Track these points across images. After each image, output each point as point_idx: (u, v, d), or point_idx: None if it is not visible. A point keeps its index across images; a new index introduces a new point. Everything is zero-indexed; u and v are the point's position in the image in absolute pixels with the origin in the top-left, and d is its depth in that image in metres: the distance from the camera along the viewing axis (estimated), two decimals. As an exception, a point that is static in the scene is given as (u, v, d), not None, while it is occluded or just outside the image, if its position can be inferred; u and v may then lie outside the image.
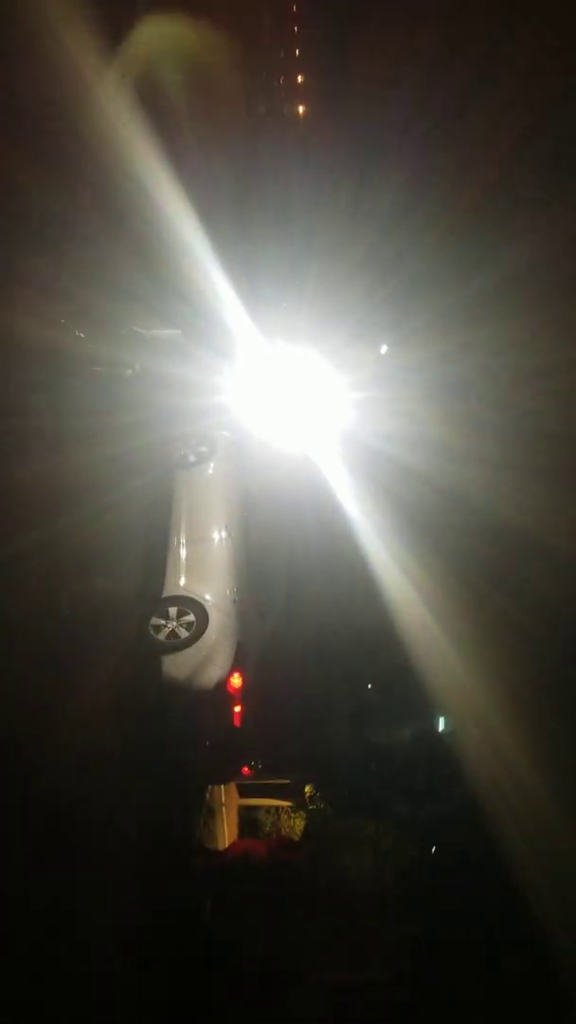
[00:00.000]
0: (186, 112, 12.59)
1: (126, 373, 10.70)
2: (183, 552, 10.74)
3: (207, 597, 10.40)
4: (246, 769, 10.82)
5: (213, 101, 13.94)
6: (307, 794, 11.66)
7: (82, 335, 10.24)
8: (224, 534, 10.84)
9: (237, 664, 10.21)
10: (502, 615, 9.64)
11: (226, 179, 12.40)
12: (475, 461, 10.68)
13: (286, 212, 11.96)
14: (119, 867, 8.36)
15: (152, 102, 10.90)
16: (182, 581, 10.54)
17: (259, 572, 11.09)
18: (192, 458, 11.08)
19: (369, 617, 10.35)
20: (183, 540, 10.79)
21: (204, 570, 10.66)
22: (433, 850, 10.64)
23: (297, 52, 22.32)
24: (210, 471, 11.14)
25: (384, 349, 13.06)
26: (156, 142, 10.13)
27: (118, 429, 9.79)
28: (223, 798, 11.70)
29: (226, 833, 11.76)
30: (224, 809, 11.76)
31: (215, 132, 13.15)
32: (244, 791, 11.87)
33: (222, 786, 11.52)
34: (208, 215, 10.21)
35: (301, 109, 21.31)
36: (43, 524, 8.79)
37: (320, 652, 10.61)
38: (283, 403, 11.34)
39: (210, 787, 11.30)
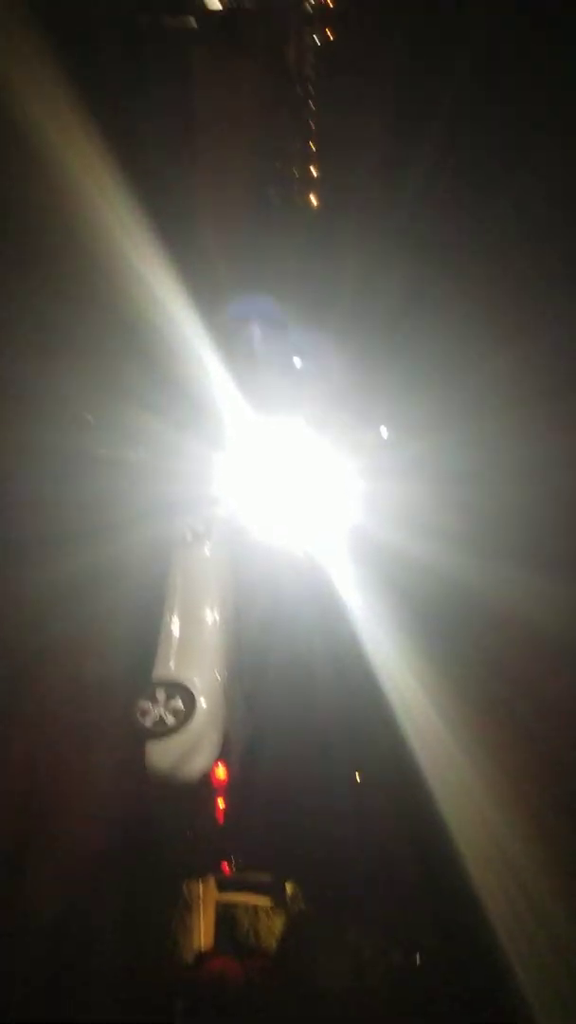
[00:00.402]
0: (197, 203, 12.93)
1: (128, 459, 10.67)
2: (175, 632, 10.51)
3: (196, 682, 10.11)
4: (226, 866, 10.40)
5: (224, 189, 14.37)
6: (288, 892, 11.22)
7: (88, 419, 10.26)
8: (217, 617, 10.64)
9: (223, 755, 9.88)
10: (516, 718, 9.43)
11: (232, 271, 12.66)
12: (482, 552, 10.59)
13: (291, 302, 12.11)
14: (91, 963, 8.10)
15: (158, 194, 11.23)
16: (172, 663, 10.26)
17: (249, 659, 10.85)
18: (189, 536, 10.95)
19: (368, 712, 10.12)
20: (176, 619, 10.57)
21: (195, 653, 10.40)
22: (418, 958, 10.18)
23: (313, 145, 23.20)
24: (207, 551, 11.00)
25: (385, 434, 13.11)
26: (156, 234, 10.41)
27: (117, 525, 9.73)
28: (200, 892, 11.23)
29: (202, 929, 11.25)
30: (201, 904, 11.28)
31: (224, 222, 13.47)
32: (222, 886, 11.39)
33: (199, 880, 11.05)
34: (211, 308, 10.39)
35: (314, 200, 22.03)
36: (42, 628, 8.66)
37: (310, 746, 10.33)
38: (284, 489, 11.30)
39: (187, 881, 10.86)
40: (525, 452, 10.93)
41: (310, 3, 28.19)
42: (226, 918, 11.77)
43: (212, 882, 11.27)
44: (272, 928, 11.48)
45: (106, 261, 10.29)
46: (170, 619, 10.60)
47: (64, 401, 10.07)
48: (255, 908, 11.71)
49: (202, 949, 10.90)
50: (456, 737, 9.35)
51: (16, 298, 9.53)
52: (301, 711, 10.52)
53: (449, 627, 10.21)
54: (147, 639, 10.28)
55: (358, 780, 11.13)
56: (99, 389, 10.27)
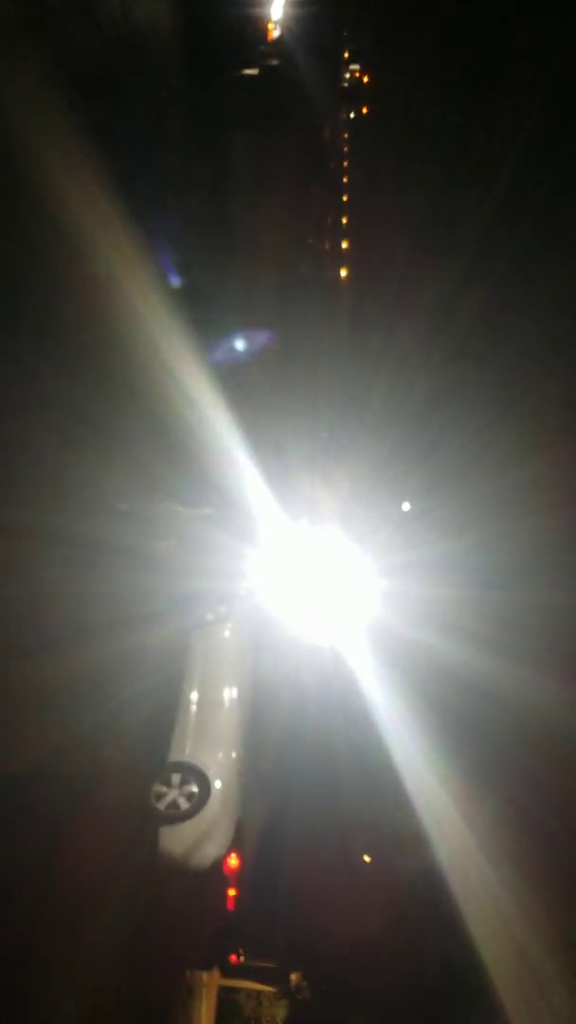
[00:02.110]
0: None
1: (159, 547, 10.91)
2: (193, 713, 10.62)
3: (211, 766, 10.18)
4: (234, 957, 10.35)
5: (259, 273, 14.80)
6: (292, 981, 11.14)
7: (120, 509, 10.53)
8: (235, 699, 10.75)
9: (235, 843, 9.90)
10: (542, 830, 9.42)
11: (265, 361, 12.99)
12: (513, 658, 10.66)
13: (319, 395, 12.46)
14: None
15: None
16: (188, 747, 10.35)
17: (264, 745, 10.92)
18: (210, 617, 11.12)
19: (390, 815, 10.13)
20: (194, 699, 10.69)
21: (211, 736, 10.50)
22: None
23: (344, 220, 23.80)
24: (227, 633, 11.15)
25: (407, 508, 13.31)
26: (189, 326, 10.80)
27: (143, 615, 9.93)
28: (204, 978, 11.16)
29: (204, 1015, 11.17)
30: (204, 990, 11.21)
31: (258, 311, 13.81)
32: (226, 971, 11.33)
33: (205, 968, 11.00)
34: (240, 404, 10.72)
35: (344, 273, 22.51)
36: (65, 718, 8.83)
37: (329, 840, 10.34)
38: (308, 582, 11.49)
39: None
40: (558, 558, 11.09)
41: (345, 80, 29.18)
42: (228, 1003, 11.70)
43: (217, 968, 11.26)
44: (274, 1016, 11.39)
45: (141, 355, 10.64)
46: (188, 700, 10.73)
47: (97, 491, 10.33)
48: (258, 994, 11.64)
49: (203, 1035, 10.84)
50: (480, 844, 9.37)
51: (53, 390, 9.85)
52: (321, 805, 10.56)
53: (477, 735, 10.27)
54: (166, 718, 10.44)
55: (367, 861, 11.15)
56: (131, 481, 10.53)
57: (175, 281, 11.11)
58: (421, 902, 10.05)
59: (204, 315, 11.11)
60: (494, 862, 9.26)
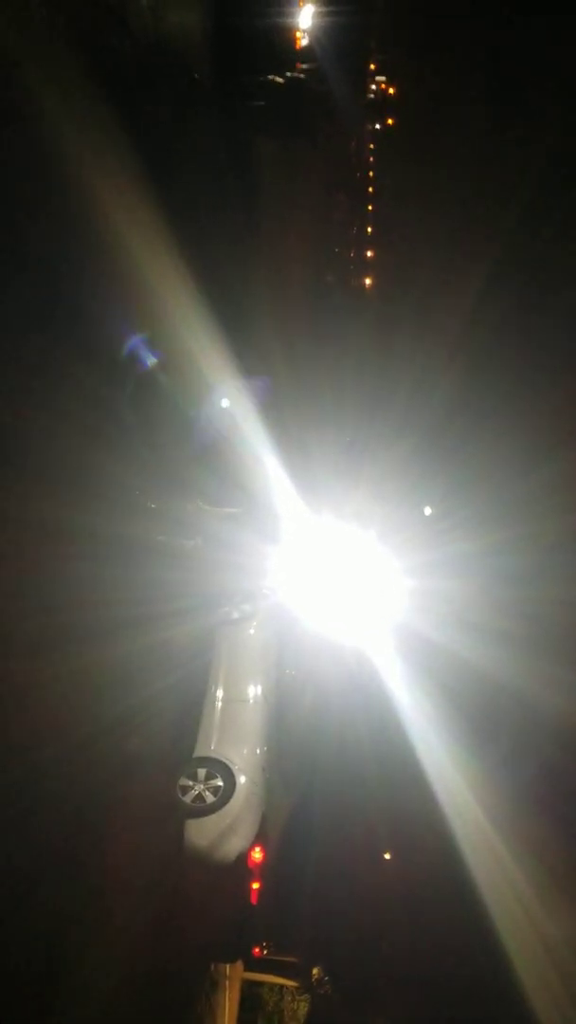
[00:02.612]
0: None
1: (187, 545, 11.12)
2: (218, 710, 10.79)
3: (236, 761, 10.35)
4: (257, 950, 10.49)
5: (286, 283, 15.03)
6: (314, 976, 11.27)
7: (151, 507, 10.76)
8: (260, 696, 10.90)
9: (259, 837, 10.06)
10: (565, 823, 9.47)
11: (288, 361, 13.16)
12: (530, 652, 10.73)
13: (344, 394, 12.62)
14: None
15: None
16: (213, 743, 10.52)
17: (288, 742, 11.07)
18: (235, 615, 11.30)
19: (414, 809, 10.22)
20: (219, 696, 10.86)
21: (236, 732, 10.65)
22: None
23: (369, 229, 24.04)
24: (251, 631, 11.33)
25: (428, 512, 13.41)
26: (218, 328, 11.01)
27: (171, 610, 10.13)
28: (227, 971, 11.34)
29: (227, 1008, 11.34)
30: (227, 982, 11.38)
31: (284, 317, 14.00)
32: (249, 965, 11.49)
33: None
34: (267, 406, 10.90)
35: (368, 282, 22.75)
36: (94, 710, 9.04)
37: (353, 836, 10.45)
38: (333, 582, 11.63)
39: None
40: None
41: (372, 91, 29.47)
42: (251, 996, 11.86)
43: (240, 961, 11.41)
44: (296, 1011, 11.53)
45: (170, 357, 10.89)
46: (213, 695, 10.93)
47: (128, 489, 10.57)
48: (280, 989, 11.78)
49: (226, 1028, 11.00)
50: (504, 839, 9.43)
51: (84, 388, 10.12)
52: (345, 801, 10.68)
53: (500, 730, 10.35)
54: (191, 712, 10.63)
55: (387, 858, 11.25)
56: (160, 479, 10.75)
57: (203, 283, 11.29)
58: (444, 898, 10.12)
59: (232, 322, 11.32)
60: (518, 857, 9.32)
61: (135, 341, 11.07)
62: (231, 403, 11.10)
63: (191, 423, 11.08)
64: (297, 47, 22.65)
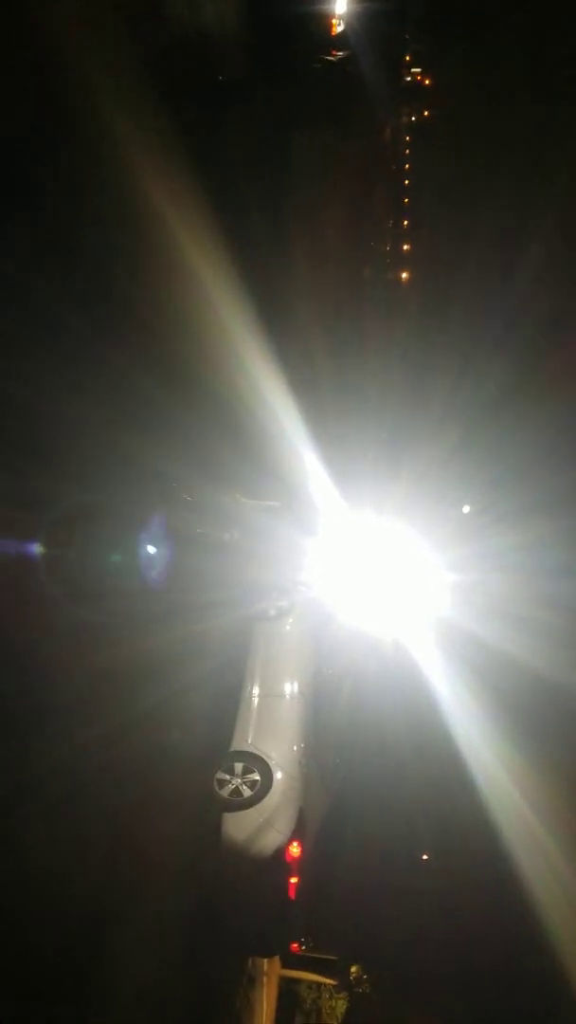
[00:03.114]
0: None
1: (224, 538, 11.06)
2: (255, 705, 10.72)
3: (273, 756, 10.27)
4: (295, 946, 10.40)
5: (323, 274, 14.91)
6: (353, 974, 11.14)
7: (187, 499, 10.72)
8: (296, 692, 10.80)
9: (297, 832, 9.96)
10: None
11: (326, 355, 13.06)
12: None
13: (383, 387, 12.47)
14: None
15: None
16: (250, 736, 10.46)
17: (326, 737, 10.96)
18: (272, 612, 11.20)
19: (455, 803, 10.06)
20: (255, 692, 10.79)
21: (273, 727, 10.57)
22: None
23: (406, 222, 23.80)
24: (288, 627, 11.23)
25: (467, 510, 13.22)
26: (257, 320, 10.92)
27: (207, 606, 10.09)
28: (265, 967, 11.24)
29: (265, 1005, 11.25)
30: (265, 978, 11.28)
31: (322, 307, 13.90)
32: (287, 962, 11.39)
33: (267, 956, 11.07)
34: (306, 394, 10.78)
35: (405, 276, 22.51)
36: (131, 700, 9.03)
37: (392, 832, 10.31)
38: (373, 577, 11.49)
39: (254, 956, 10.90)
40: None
41: (407, 82, 29.18)
42: (289, 993, 11.76)
43: (278, 958, 11.32)
44: (335, 1009, 11.41)
45: (208, 347, 10.83)
46: (250, 691, 10.85)
47: (165, 480, 10.54)
48: (319, 987, 11.67)
49: (264, 1024, 10.91)
50: (549, 834, 9.25)
51: (125, 377, 10.10)
52: (384, 797, 10.54)
53: (544, 724, 10.13)
54: (227, 705, 10.58)
55: (424, 859, 11.09)
56: (199, 471, 10.72)
57: (240, 276, 11.22)
58: (487, 897, 9.94)
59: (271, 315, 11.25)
60: (568, 857, 9.12)
61: (179, 329, 11.01)
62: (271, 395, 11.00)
63: (232, 411, 11.00)
64: (332, 34, 22.48)
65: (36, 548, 9.07)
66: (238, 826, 9.80)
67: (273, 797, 9.90)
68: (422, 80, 30.02)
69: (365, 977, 11.03)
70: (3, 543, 9.10)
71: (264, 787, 9.92)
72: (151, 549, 9.90)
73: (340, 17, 22.87)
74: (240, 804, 9.83)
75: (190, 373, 10.87)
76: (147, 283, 10.94)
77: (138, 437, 9.88)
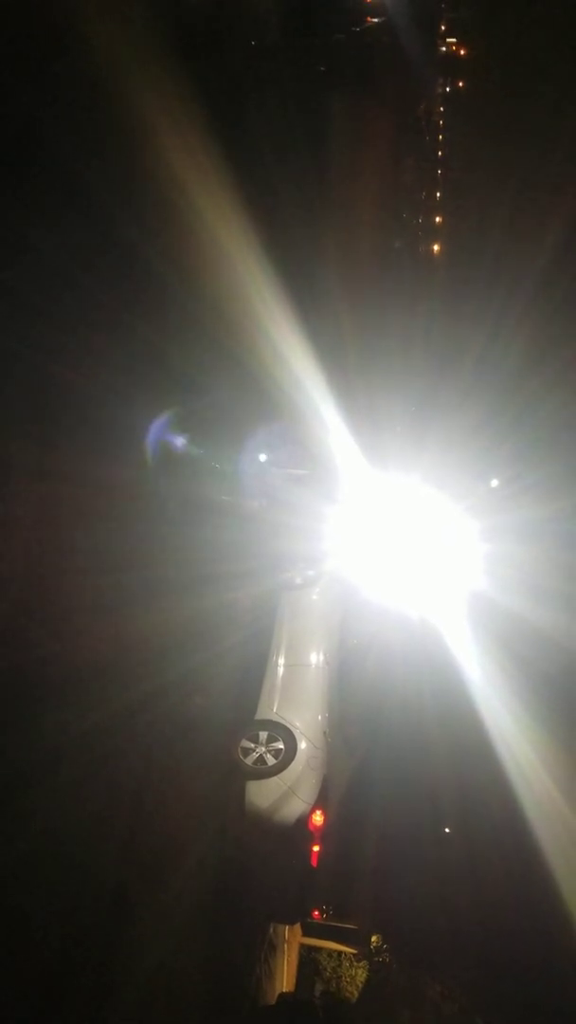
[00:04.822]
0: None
1: (251, 506, 11.03)
2: (280, 674, 10.71)
3: (298, 725, 10.26)
4: (316, 913, 10.45)
5: (354, 243, 14.73)
6: (373, 943, 11.21)
7: (215, 467, 10.70)
8: (322, 661, 10.77)
9: (320, 800, 9.97)
10: None
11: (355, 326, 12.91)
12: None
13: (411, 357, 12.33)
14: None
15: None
16: (275, 705, 10.45)
17: (351, 708, 10.94)
18: (298, 580, 11.17)
19: (480, 775, 10.03)
20: (281, 662, 10.77)
21: (298, 696, 10.56)
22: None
23: (438, 194, 23.48)
24: (314, 596, 11.19)
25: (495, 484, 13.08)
26: (286, 292, 10.81)
27: (234, 575, 10.08)
28: (286, 935, 11.34)
29: (285, 972, 11.35)
30: (286, 946, 11.38)
31: (352, 278, 13.74)
32: (308, 930, 11.48)
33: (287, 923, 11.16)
34: (334, 365, 10.66)
35: (436, 248, 22.24)
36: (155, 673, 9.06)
37: (416, 803, 10.30)
38: (398, 548, 11.41)
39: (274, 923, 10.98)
40: None
41: (442, 52, 28.68)
42: (309, 961, 11.86)
43: (298, 925, 11.40)
44: (354, 977, 11.50)
45: (238, 319, 10.75)
46: (275, 660, 10.84)
47: (191, 448, 10.53)
48: (339, 955, 11.76)
49: (284, 991, 11.00)
50: (573, 806, 9.18)
51: (153, 349, 10.05)
52: (409, 768, 10.53)
53: (569, 699, 10.05)
54: (253, 673, 10.59)
55: (447, 832, 11.08)
56: (226, 440, 10.69)
57: (271, 246, 11.11)
58: (509, 870, 9.92)
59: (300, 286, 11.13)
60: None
61: (208, 301, 10.95)
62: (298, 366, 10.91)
63: (259, 381, 10.93)
64: (367, 0, 22.03)
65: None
66: (261, 794, 9.82)
67: (297, 766, 9.89)
68: (458, 50, 29.46)
69: (385, 946, 11.07)
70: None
71: (288, 756, 9.92)
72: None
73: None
74: (264, 772, 9.85)
75: (219, 343, 10.80)
76: (172, 254, 10.85)
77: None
